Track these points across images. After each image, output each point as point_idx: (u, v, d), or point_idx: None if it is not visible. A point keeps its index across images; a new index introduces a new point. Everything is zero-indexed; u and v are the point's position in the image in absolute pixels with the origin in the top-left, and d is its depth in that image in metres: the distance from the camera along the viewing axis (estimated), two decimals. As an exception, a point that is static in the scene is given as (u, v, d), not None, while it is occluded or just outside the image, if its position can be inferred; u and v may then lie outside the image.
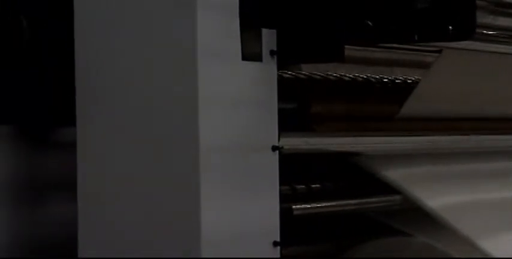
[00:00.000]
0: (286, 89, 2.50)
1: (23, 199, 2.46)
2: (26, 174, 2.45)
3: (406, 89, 2.85)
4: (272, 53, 2.44)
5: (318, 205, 2.65)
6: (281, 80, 2.48)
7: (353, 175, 2.79)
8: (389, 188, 2.79)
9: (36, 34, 2.44)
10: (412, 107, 2.79)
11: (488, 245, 2.78)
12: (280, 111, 2.46)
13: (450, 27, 2.35)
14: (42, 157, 2.48)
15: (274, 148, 2.44)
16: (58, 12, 2.39)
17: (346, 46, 2.49)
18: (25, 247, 2.46)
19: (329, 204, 2.69)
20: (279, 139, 2.46)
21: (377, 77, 2.91)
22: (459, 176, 3.07)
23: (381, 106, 2.86)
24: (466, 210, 2.91)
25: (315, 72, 2.70)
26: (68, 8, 2.35)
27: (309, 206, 2.60)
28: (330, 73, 2.75)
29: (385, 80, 2.93)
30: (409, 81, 2.95)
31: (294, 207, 2.52)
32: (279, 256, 2.44)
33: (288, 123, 2.49)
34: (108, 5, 2.34)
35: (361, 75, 2.86)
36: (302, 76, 2.66)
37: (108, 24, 2.34)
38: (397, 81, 2.95)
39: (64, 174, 2.42)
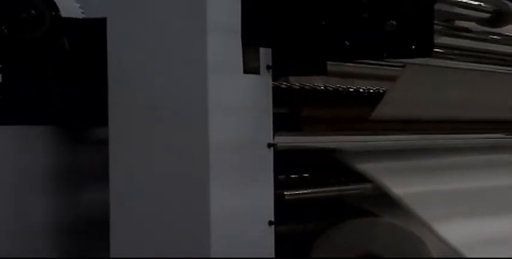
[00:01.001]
0: (279, 97, 2.48)
1: (62, 187, 2.42)
2: (64, 167, 2.41)
3: (377, 97, 2.84)
4: (268, 67, 2.42)
5: (305, 191, 2.63)
6: (275, 90, 2.46)
7: (334, 167, 2.76)
8: (362, 178, 2.76)
9: (75, 51, 2.40)
10: (382, 111, 2.78)
11: (442, 229, 2.73)
12: (275, 115, 2.43)
13: (413, 46, 2.32)
14: (77, 153, 2.44)
15: (269, 145, 2.42)
16: (92, 34, 2.36)
17: (328, 62, 2.49)
18: (64, 224, 2.43)
19: (314, 190, 2.68)
20: (273, 138, 2.43)
21: (354, 87, 2.89)
22: (423, 169, 3.03)
23: (356, 111, 2.84)
24: (428, 198, 2.86)
25: (304, 83, 2.69)
26: (101, 30, 2.31)
27: (298, 192, 2.58)
28: (315, 84, 2.74)
29: (360, 89, 2.91)
30: (379, 90, 2.93)
31: (285, 193, 2.50)
32: (273, 232, 2.41)
33: (281, 124, 2.46)
34: (135, 28, 2.31)
35: (341, 86, 2.85)
36: (293, 86, 2.64)
37: (135, 44, 2.31)
38: (370, 90, 2.94)
39: (95, 167, 2.39)
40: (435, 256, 2.75)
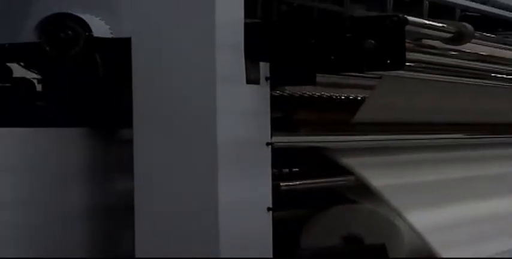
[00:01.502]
0: (276, 103, 2.50)
1: (95, 178, 2.43)
2: (96, 161, 2.42)
3: (358, 103, 2.85)
4: (266, 78, 2.44)
5: (298, 183, 2.66)
6: (272, 97, 2.47)
7: (322, 162, 2.78)
8: (346, 171, 2.78)
9: (105, 65, 2.41)
10: (362, 115, 2.78)
11: (411, 214, 2.73)
12: (272, 118, 2.45)
13: (388, 61, 2.35)
14: (107, 150, 2.44)
15: (268, 144, 2.44)
16: (119, 51, 2.36)
17: (317, 74, 2.49)
18: (98, 210, 2.44)
19: (306, 182, 2.70)
20: (271, 138, 2.45)
21: (339, 95, 2.91)
22: (398, 164, 3.05)
23: (341, 115, 2.84)
24: (401, 188, 2.87)
25: (296, 92, 2.70)
26: (127, 47, 2.34)
27: (292, 183, 2.61)
28: (306, 92, 2.75)
29: (344, 97, 2.93)
30: (360, 98, 2.93)
31: (281, 184, 2.52)
32: (271, 218, 2.43)
33: (277, 126, 2.48)
34: (155, 46, 2.33)
35: (328, 94, 2.86)
36: (287, 94, 2.66)
37: (155, 59, 2.33)
38: (352, 97, 2.95)
39: (122, 161, 2.39)
40: (406, 237, 2.77)
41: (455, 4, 4.26)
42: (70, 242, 2.38)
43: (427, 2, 4.01)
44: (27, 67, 2.61)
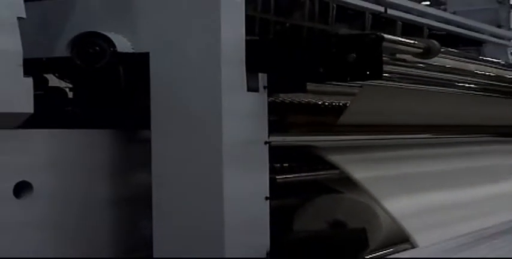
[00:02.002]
0: (272, 108, 2.50)
1: (120, 173, 2.43)
2: (119, 157, 2.42)
3: (343, 108, 2.86)
4: (264, 87, 2.44)
5: (291, 176, 2.66)
6: (269, 103, 2.48)
7: (311, 158, 2.78)
8: (332, 166, 2.78)
9: (127, 76, 2.43)
10: (346, 118, 2.78)
11: (388, 202, 2.73)
12: (269, 121, 2.45)
13: (367, 72, 2.36)
14: (128, 148, 2.44)
15: (265, 142, 2.44)
16: (139, 63, 2.37)
17: (307, 83, 2.50)
18: (120, 199, 2.42)
19: (297, 175, 2.70)
20: (268, 137, 2.45)
21: (326, 101, 2.90)
22: (377, 159, 3.03)
23: (327, 118, 2.84)
24: (380, 180, 2.86)
25: (290, 98, 2.70)
26: (146, 60, 2.35)
27: (286, 176, 2.61)
28: (298, 99, 2.74)
29: (330, 102, 2.92)
30: (344, 103, 2.92)
31: (277, 177, 2.53)
32: (268, 205, 2.43)
33: (274, 128, 2.49)
34: (170, 59, 2.33)
35: (317, 100, 2.86)
36: (282, 100, 2.65)
37: (170, 71, 2.34)
38: (337, 103, 2.94)
39: (141, 158, 2.38)
40: (383, 221, 2.77)
41: (423, 24, 4.30)
42: (97, 227, 2.37)
43: (400, 22, 4.04)
44: (60, 77, 2.62)
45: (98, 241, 2.37)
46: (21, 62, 2.07)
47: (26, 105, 2.09)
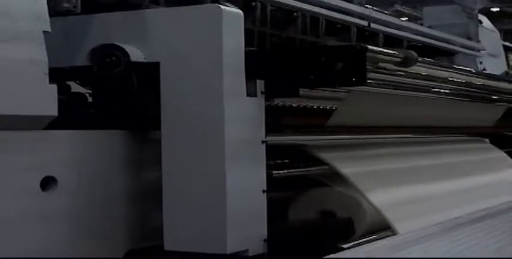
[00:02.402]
0: (269, 111, 2.49)
1: (133, 169, 2.41)
2: (132, 155, 2.41)
3: (331, 111, 2.85)
4: (262, 92, 2.43)
5: (286, 171, 2.64)
6: (266, 106, 2.47)
7: (304, 155, 2.78)
8: (322, 162, 2.77)
9: (139, 82, 2.42)
10: (334, 120, 2.79)
11: (373, 195, 2.72)
12: (266, 122, 2.44)
13: (353, 79, 2.35)
14: (141, 147, 2.42)
15: (263, 142, 2.43)
16: (150, 72, 2.36)
17: (300, 88, 2.50)
18: (134, 193, 2.41)
19: (291, 170, 2.67)
20: (265, 137, 2.44)
21: (316, 104, 2.88)
22: (363, 157, 3.01)
23: (318, 120, 2.83)
24: (365, 175, 2.84)
25: (284, 102, 2.67)
26: (156, 69, 2.34)
27: (281, 172, 2.58)
28: (292, 103, 2.72)
29: (320, 106, 2.90)
30: (332, 107, 2.90)
31: (273, 172, 2.51)
32: (265, 198, 2.42)
33: (270, 128, 2.48)
34: (178, 68, 2.33)
35: (308, 104, 2.84)
36: (277, 104, 2.63)
37: (177, 78, 2.33)
38: (326, 106, 2.91)
39: (152, 155, 2.38)
40: (368, 212, 2.77)
41: (402, 36, 4.30)
42: (114, 217, 2.36)
43: (381, 35, 4.05)
44: (81, 84, 2.61)
45: (114, 230, 2.36)
46: (46, 71, 2.08)
47: (50, 108, 2.09)
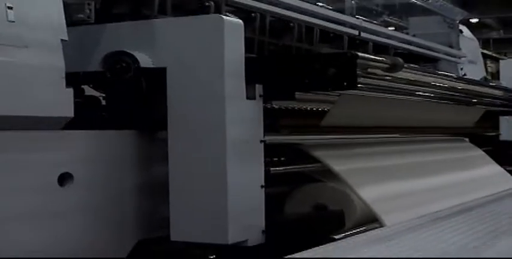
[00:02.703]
0: (267, 113, 2.48)
1: (142, 166, 2.41)
2: (142, 153, 2.41)
3: (324, 113, 2.83)
4: (260, 95, 2.42)
5: (282, 168, 2.63)
6: (264, 109, 2.46)
7: (299, 154, 2.75)
8: (316, 160, 2.75)
9: (148, 86, 2.41)
10: (327, 121, 2.76)
11: (362, 191, 2.70)
12: (264, 123, 2.44)
13: (345, 83, 2.34)
14: (150, 145, 2.42)
15: (261, 141, 2.42)
16: (158, 76, 2.36)
17: (296, 92, 2.49)
18: (143, 187, 2.41)
19: (288, 167, 2.67)
20: (264, 136, 2.43)
21: (311, 107, 2.87)
22: (354, 155, 2.99)
23: (312, 121, 2.80)
24: (356, 172, 2.82)
25: (281, 105, 2.67)
26: (163, 74, 2.33)
27: (278, 169, 2.58)
28: (288, 105, 2.72)
29: (314, 108, 2.89)
30: (325, 109, 2.88)
31: (271, 169, 2.50)
32: (263, 194, 2.41)
33: (268, 129, 2.47)
34: (183, 73, 2.33)
35: (303, 107, 2.83)
36: (274, 107, 2.62)
37: (183, 82, 2.33)
38: (319, 108, 2.91)
39: (160, 153, 2.37)
40: (357, 205, 2.75)
41: (390, 44, 4.29)
42: (127, 208, 2.36)
43: (371, 43, 4.04)
44: (94, 88, 2.60)
45: (126, 222, 2.36)
46: (63, 75, 2.09)
47: (67, 110, 2.10)
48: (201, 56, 2.30)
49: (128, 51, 2.35)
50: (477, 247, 2.05)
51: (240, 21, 2.37)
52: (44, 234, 2.08)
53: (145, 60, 2.35)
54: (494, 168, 4.19)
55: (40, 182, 2.08)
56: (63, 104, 2.09)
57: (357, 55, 2.36)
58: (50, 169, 2.09)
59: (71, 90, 2.12)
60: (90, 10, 2.41)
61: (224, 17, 2.31)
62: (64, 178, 2.13)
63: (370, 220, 2.73)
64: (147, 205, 2.41)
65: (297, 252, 1.95)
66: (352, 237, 2.40)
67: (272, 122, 2.52)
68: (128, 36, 2.41)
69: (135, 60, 2.33)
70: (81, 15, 2.38)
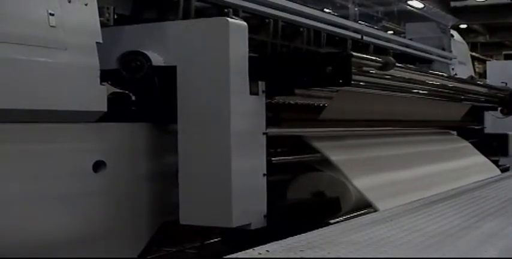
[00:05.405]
0: (269, 107, 2.37)
1: (153, 155, 2.31)
2: (155, 143, 2.31)
3: (322, 107, 2.73)
4: (263, 91, 2.32)
5: (284, 158, 2.51)
6: (267, 103, 2.35)
7: (299, 145, 2.65)
8: (315, 151, 2.64)
9: (160, 83, 2.30)
10: (325, 115, 2.68)
11: (357, 180, 2.60)
12: (267, 117, 2.33)
13: (340, 80, 2.24)
14: (161, 136, 2.31)
15: (263, 133, 2.32)
16: (169, 74, 2.25)
17: (295, 88, 2.40)
18: (156, 174, 2.32)
19: (289, 157, 2.56)
20: (266, 129, 2.33)
21: (309, 102, 2.76)
22: (351, 146, 2.88)
23: (311, 115, 2.70)
24: (352, 162, 2.71)
25: (282, 100, 2.57)
26: (174, 72, 2.23)
27: (279, 158, 2.45)
28: (289, 100, 2.62)
29: (313, 103, 2.79)
30: (323, 104, 2.79)
31: (272, 159, 2.38)
32: (265, 180, 2.30)
33: (270, 122, 2.36)
34: (192, 71, 2.23)
35: (303, 102, 2.72)
36: (276, 102, 2.51)
37: (192, 79, 2.23)
38: (318, 104, 2.80)
39: (170, 144, 2.27)
40: (353, 193, 2.63)
41: (389, 47, 4.20)
42: (153, 194, 2.29)
43: (372, 46, 3.96)
44: (113, 85, 2.48)
45: (152, 205, 2.30)
46: (98, 74, 2.04)
47: (101, 105, 2.06)
48: (208, 55, 2.21)
49: (142, 50, 2.27)
50: (468, 227, 1.99)
51: (244, 23, 2.27)
52: (80, 214, 2.04)
53: (157, 59, 2.26)
54: (479, 158, 4.15)
55: (77, 169, 2.04)
56: (98, 99, 2.06)
57: (352, 54, 2.26)
58: (86, 157, 2.07)
59: (104, 87, 2.09)
60: (109, 14, 2.32)
61: (229, 19, 2.20)
62: (98, 166, 2.09)
63: (364, 206, 2.61)
64: (159, 188, 2.33)
65: (296, 235, 1.85)
66: (355, 218, 2.26)
67: (274, 115, 2.42)
68: (142, 37, 2.32)
69: (148, 59, 2.24)
70: (102, 18, 2.26)
